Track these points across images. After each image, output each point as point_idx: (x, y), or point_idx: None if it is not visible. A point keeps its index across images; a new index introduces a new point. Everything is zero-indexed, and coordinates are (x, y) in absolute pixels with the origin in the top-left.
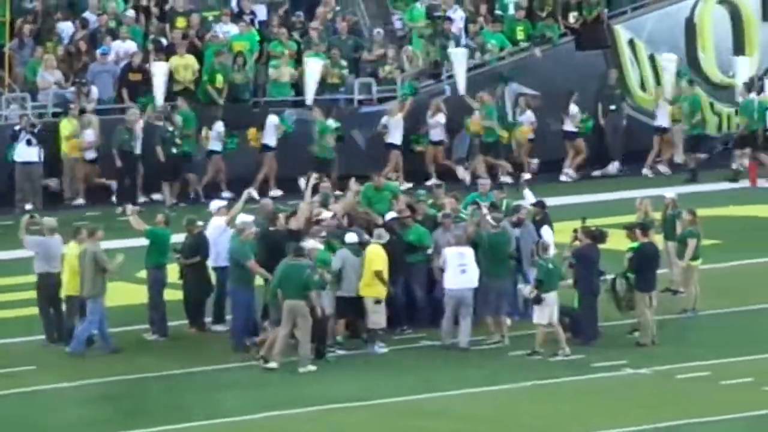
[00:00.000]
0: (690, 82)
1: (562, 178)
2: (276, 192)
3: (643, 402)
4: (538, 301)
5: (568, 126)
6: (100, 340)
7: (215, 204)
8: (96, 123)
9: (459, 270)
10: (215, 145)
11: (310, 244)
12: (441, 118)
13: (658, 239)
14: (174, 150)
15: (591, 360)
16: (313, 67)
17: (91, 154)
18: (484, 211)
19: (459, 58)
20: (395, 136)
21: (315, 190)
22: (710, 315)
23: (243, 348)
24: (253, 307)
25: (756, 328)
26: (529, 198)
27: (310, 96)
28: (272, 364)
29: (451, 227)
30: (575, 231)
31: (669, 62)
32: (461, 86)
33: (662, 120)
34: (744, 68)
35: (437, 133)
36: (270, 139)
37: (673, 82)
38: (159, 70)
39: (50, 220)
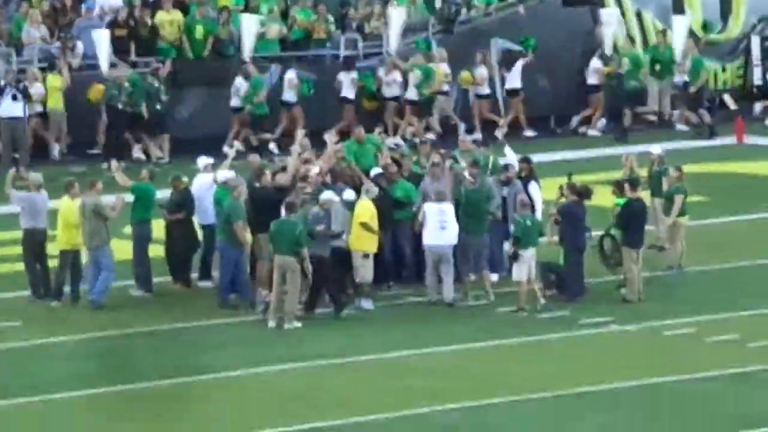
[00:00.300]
0: (632, 39)
1: (591, 132)
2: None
3: (630, 359)
4: (515, 257)
5: (592, 79)
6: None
7: (202, 160)
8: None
9: (439, 226)
10: (289, 96)
11: (327, 195)
12: (397, 75)
13: (644, 195)
14: (158, 106)
15: (578, 317)
16: (397, 15)
17: None
18: (463, 165)
19: (395, 17)
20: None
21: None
22: (696, 272)
23: (229, 305)
24: (241, 265)
25: (742, 285)
26: (510, 155)
27: (393, 44)
28: (272, 324)
29: (440, 177)
30: (561, 187)
31: (609, 17)
32: (393, 46)
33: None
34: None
35: (392, 90)
36: (289, 95)
37: (611, 37)
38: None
39: (36, 176)
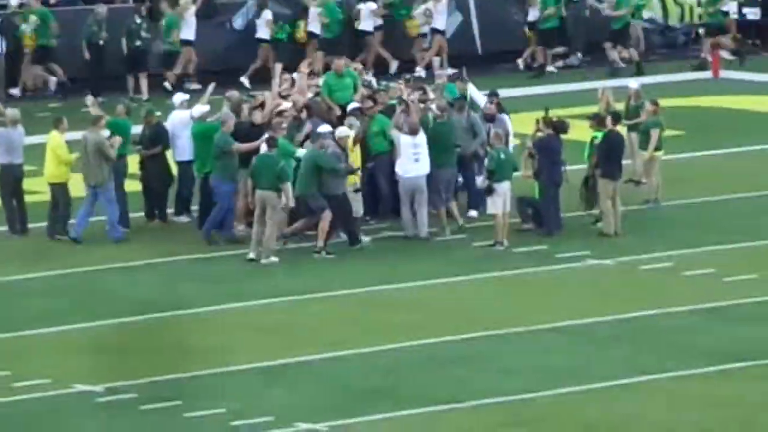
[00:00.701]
0: None
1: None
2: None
3: (606, 293)
4: (489, 191)
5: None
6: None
7: (178, 97)
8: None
9: (413, 158)
10: (263, 33)
11: (344, 130)
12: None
13: (620, 129)
14: (138, 42)
15: (554, 251)
16: None
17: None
18: (431, 96)
19: None
20: (439, 21)
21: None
22: (672, 206)
23: (214, 241)
24: (232, 200)
25: (718, 219)
26: (474, 92)
27: None
28: (252, 255)
29: (411, 110)
30: (537, 121)
31: None
32: None
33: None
34: None
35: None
36: (315, 27)
37: None
38: None
39: (13, 111)
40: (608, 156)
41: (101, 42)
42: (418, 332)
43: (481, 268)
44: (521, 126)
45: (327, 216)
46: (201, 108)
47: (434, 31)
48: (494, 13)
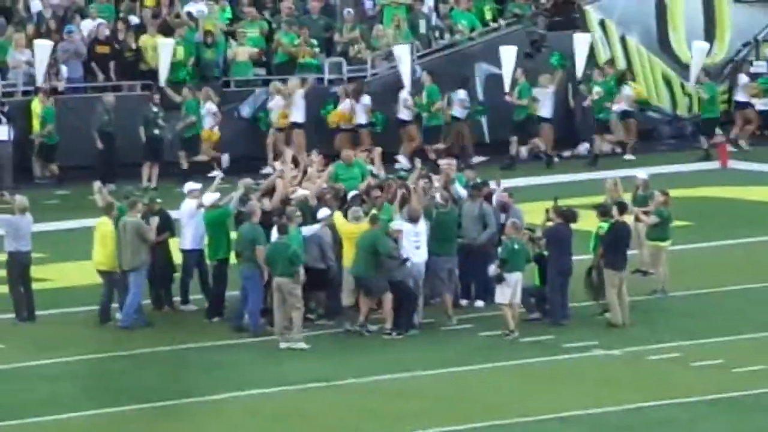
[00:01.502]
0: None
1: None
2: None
3: (614, 383)
4: (499, 280)
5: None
6: (133, 313)
7: (189, 186)
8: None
9: (413, 245)
10: (362, 119)
11: (398, 224)
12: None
13: (628, 219)
14: (156, 131)
15: (561, 340)
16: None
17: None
18: (436, 185)
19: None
20: (546, 109)
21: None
22: (680, 296)
23: (243, 329)
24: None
25: (726, 310)
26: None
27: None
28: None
29: (412, 200)
30: (547, 210)
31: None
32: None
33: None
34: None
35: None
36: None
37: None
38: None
39: (21, 199)
40: (614, 246)
41: (111, 130)
42: (424, 421)
43: (487, 358)
44: (532, 216)
45: (389, 297)
46: (211, 196)
47: (541, 119)
48: (502, 103)
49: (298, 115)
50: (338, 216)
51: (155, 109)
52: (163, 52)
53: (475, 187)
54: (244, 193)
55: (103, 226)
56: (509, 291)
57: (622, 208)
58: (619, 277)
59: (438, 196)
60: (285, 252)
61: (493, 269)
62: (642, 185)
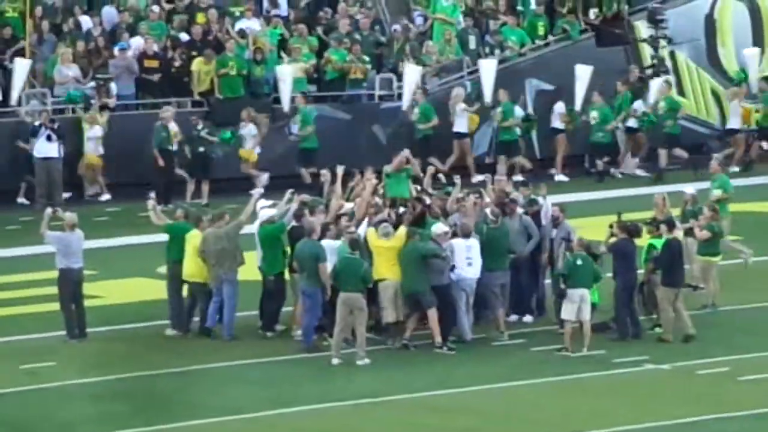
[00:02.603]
0: (668, 82)
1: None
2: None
3: (664, 398)
4: (561, 295)
5: (733, 123)
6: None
7: (261, 203)
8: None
9: (466, 262)
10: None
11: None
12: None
13: (678, 235)
14: (201, 148)
15: (612, 356)
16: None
17: (99, 149)
18: (487, 200)
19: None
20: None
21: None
22: (730, 311)
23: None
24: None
25: None
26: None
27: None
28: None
29: (465, 213)
30: (611, 226)
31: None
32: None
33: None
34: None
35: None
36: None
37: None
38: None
39: (71, 216)
40: (670, 264)
41: (172, 147)
42: None
43: (538, 373)
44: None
45: (434, 312)
46: (268, 212)
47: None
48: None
49: (460, 125)
50: (370, 232)
51: (199, 127)
52: (283, 77)
53: (507, 203)
54: (299, 208)
55: (193, 238)
56: (573, 307)
57: (671, 224)
58: (676, 294)
59: (488, 212)
60: (358, 268)
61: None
62: (690, 200)
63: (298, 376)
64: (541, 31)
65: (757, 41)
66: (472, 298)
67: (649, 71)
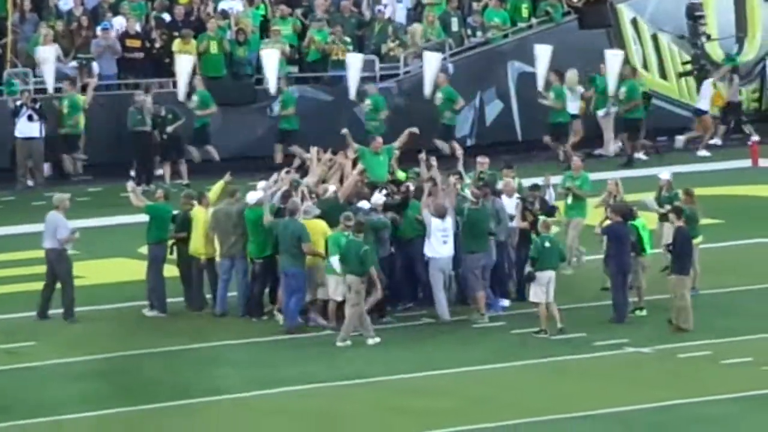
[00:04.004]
0: (633, 69)
1: (701, 153)
2: None
3: (644, 381)
4: (530, 278)
5: (702, 104)
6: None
7: (261, 185)
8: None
9: (441, 240)
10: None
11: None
12: None
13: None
14: (165, 135)
15: (592, 339)
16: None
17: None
18: (467, 182)
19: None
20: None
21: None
22: (711, 294)
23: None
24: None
25: (757, 308)
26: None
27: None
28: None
29: (438, 193)
30: (606, 209)
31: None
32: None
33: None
34: None
35: None
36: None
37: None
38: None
39: (59, 197)
40: (682, 252)
41: (147, 129)
42: (454, 419)
43: (518, 356)
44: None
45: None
46: (256, 194)
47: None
48: (535, 102)
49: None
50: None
51: (163, 113)
52: (268, 60)
53: (483, 186)
54: (288, 189)
55: (200, 214)
56: (541, 289)
57: (678, 212)
58: (688, 281)
59: (469, 193)
60: (357, 251)
61: (526, 269)
62: (666, 186)
63: (283, 358)
64: (524, 13)
65: (740, 26)
66: (447, 278)
67: (688, 67)
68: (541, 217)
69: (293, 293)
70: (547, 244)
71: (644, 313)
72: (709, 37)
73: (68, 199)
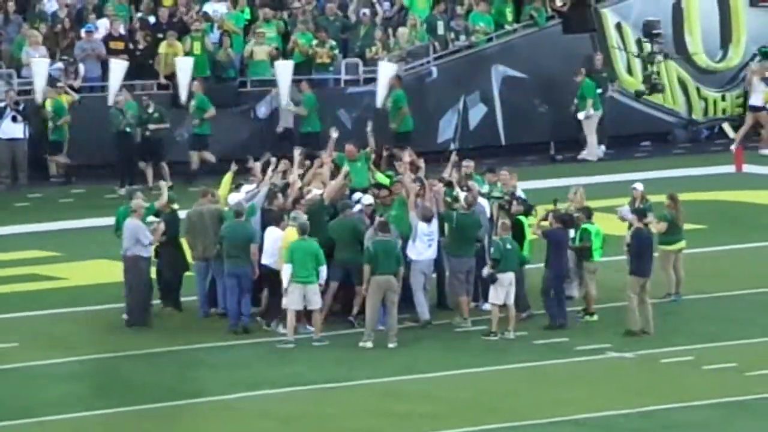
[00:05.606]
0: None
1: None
2: None
3: (627, 386)
4: (492, 280)
5: (756, 101)
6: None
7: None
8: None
9: (426, 243)
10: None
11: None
12: None
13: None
14: (148, 132)
15: (574, 343)
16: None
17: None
18: (457, 190)
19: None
20: (757, 98)
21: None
22: (694, 299)
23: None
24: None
25: (739, 314)
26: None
27: None
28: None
29: (426, 199)
30: (547, 213)
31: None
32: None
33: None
34: None
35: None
36: None
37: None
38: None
39: (136, 203)
40: (639, 253)
41: (128, 130)
42: (437, 423)
43: (500, 360)
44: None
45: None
46: (237, 196)
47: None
48: (518, 105)
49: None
50: None
51: (150, 111)
52: (281, 73)
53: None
54: (270, 190)
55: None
56: (501, 291)
57: (641, 214)
58: (643, 284)
59: (462, 200)
60: (392, 250)
61: (485, 270)
62: (639, 197)
63: (264, 360)
64: (508, 17)
65: (725, 29)
66: (428, 280)
67: (644, 86)
68: (502, 220)
69: (245, 293)
70: (508, 246)
71: (595, 318)
72: (666, 56)
73: (144, 203)
